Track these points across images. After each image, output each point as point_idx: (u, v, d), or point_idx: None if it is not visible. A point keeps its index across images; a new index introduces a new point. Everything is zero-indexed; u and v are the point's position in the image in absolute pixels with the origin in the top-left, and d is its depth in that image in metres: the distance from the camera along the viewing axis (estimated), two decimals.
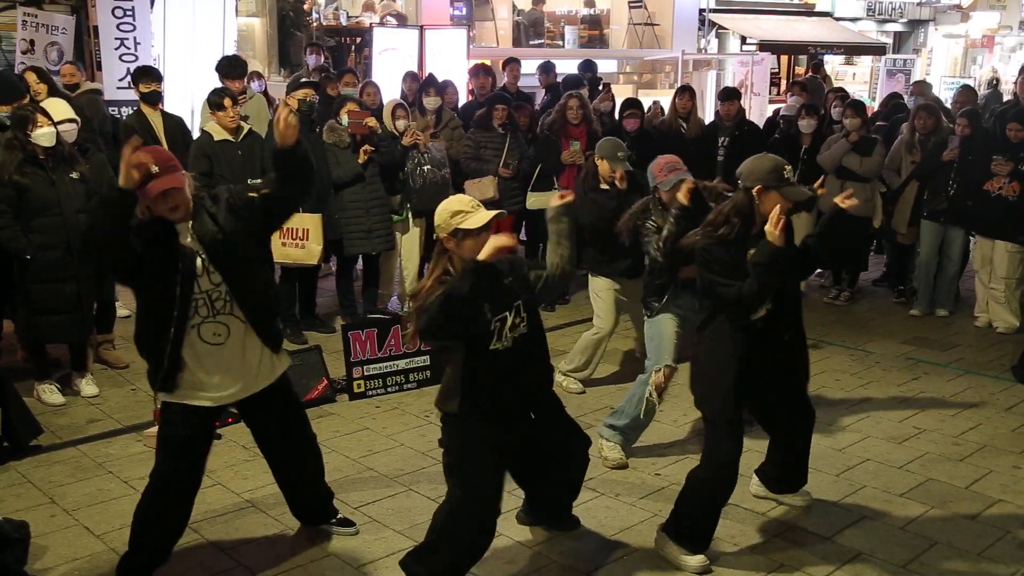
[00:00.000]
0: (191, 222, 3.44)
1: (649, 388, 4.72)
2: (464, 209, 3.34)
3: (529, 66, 10.08)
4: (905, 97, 10.17)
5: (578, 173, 7.39)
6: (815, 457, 4.83)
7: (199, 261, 3.43)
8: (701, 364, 3.92)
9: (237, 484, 4.53)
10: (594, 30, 16.90)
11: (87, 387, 5.70)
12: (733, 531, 4.12)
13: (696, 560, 3.83)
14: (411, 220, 7.14)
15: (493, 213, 3.36)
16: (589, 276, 5.80)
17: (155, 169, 3.29)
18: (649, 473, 4.70)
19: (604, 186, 5.53)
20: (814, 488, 4.49)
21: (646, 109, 9.02)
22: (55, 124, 5.29)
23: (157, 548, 3.62)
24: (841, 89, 9.75)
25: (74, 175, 5.38)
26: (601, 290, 5.69)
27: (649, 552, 3.96)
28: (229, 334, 3.51)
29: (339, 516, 4.11)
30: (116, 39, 9.18)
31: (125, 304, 7.17)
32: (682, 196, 4.38)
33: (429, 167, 7.04)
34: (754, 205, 3.67)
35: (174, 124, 7.07)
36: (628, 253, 5.38)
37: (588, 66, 10.00)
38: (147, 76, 6.98)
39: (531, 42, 15.87)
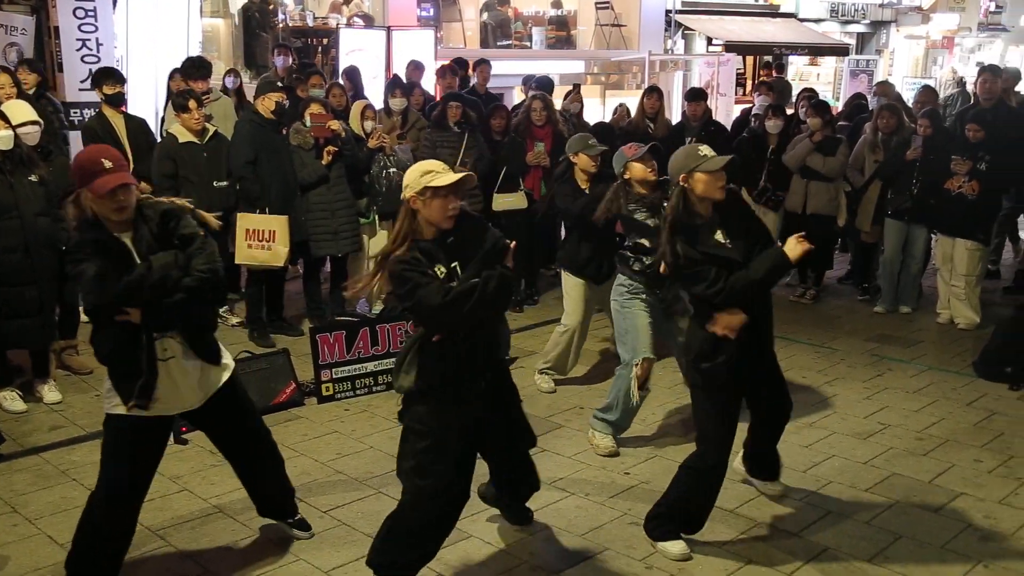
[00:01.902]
0: (131, 232, 3.36)
1: (632, 383, 4.79)
2: (435, 169, 3.38)
3: (495, 67, 10.07)
4: (868, 97, 10.29)
5: (544, 175, 7.44)
6: (782, 454, 4.88)
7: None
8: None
9: (204, 490, 4.48)
10: (561, 31, 16.93)
11: (50, 393, 5.62)
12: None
13: (677, 547, 3.91)
14: (377, 222, 7.11)
15: (463, 174, 3.39)
16: (562, 273, 5.83)
17: (107, 164, 3.25)
18: (618, 472, 4.72)
19: (583, 185, 5.54)
20: (781, 484, 4.54)
21: (616, 110, 9.07)
22: (13, 127, 5.22)
23: (103, 565, 3.58)
24: (810, 89, 9.83)
25: (33, 178, 5.29)
26: (571, 287, 5.73)
27: (619, 551, 3.97)
28: (171, 354, 3.46)
29: (297, 517, 4.08)
30: (78, 40, 9.05)
31: None
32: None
33: (395, 170, 7.02)
34: (688, 195, 3.77)
35: (136, 126, 6.98)
36: (596, 254, 5.43)
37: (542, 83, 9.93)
38: (109, 78, 6.89)
39: (499, 43, 15.87)
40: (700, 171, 3.72)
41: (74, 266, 3.29)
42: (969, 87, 11.83)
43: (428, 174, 3.36)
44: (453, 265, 3.39)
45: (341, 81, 8.89)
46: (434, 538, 3.56)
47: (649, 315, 4.85)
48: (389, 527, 3.53)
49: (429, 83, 10.23)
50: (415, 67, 9.71)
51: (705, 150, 3.78)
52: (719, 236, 3.76)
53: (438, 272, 3.34)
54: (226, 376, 3.68)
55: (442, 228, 3.39)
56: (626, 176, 4.84)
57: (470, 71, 9.55)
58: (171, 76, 8.44)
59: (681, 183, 3.76)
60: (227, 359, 3.72)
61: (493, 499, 4.16)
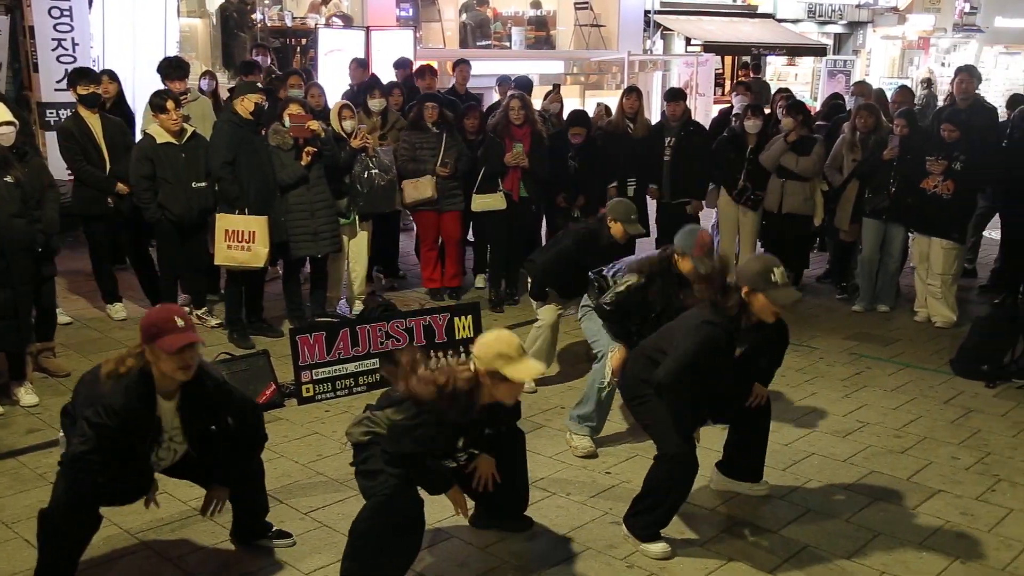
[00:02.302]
0: (177, 398, 3.44)
1: (607, 369, 4.82)
2: (510, 354, 3.34)
3: (475, 67, 10.06)
4: (846, 97, 10.36)
5: (522, 175, 7.44)
6: None
7: (169, 434, 3.47)
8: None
9: (183, 492, 4.44)
10: (541, 31, 16.94)
11: (26, 396, 5.56)
12: (682, 526, 4.17)
13: (658, 547, 3.93)
14: (358, 223, 7.09)
15: (539, 370, 3.44)
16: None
17: (180, 323, 3.28)
18: (599, 472, 4.73)
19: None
20: (762, 482, 4.56)
21: (593, 110, 9.08)
22: None
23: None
24: (786, 90, 9.89)
25: (8, 179, 5.24)
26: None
27: (600, 551, 3.98)
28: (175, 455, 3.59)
29: (274, 529, 4.05)
30: (53, 40, 8.97)
31: (66, 311, 7.03)
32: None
33: (377, 171, 7.01)
34: (745, 306, 3.78)
35: (114, 127, 6.93)
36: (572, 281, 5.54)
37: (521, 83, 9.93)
38: (85, 78, 6.83)
39: (478, 43, 15.87)
40: (764, 295, 3.72)
41: (90, 427, 3.28)
42: (942, 87, 11.97)
43: (502, 359, 3.32)
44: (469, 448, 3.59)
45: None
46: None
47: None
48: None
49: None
50: (399, 65, 9.67)
51: (779, 275, 3.73)
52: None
53: (459, 443, 3.50)
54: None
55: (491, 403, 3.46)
56: (676, 259, 4.67)
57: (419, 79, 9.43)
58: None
59: (743, 293, 3.77)
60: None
61: (486, 523, 4.14)
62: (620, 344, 4.80)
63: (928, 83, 15.57)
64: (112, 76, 7.91)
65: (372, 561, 3.46)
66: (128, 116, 7.99)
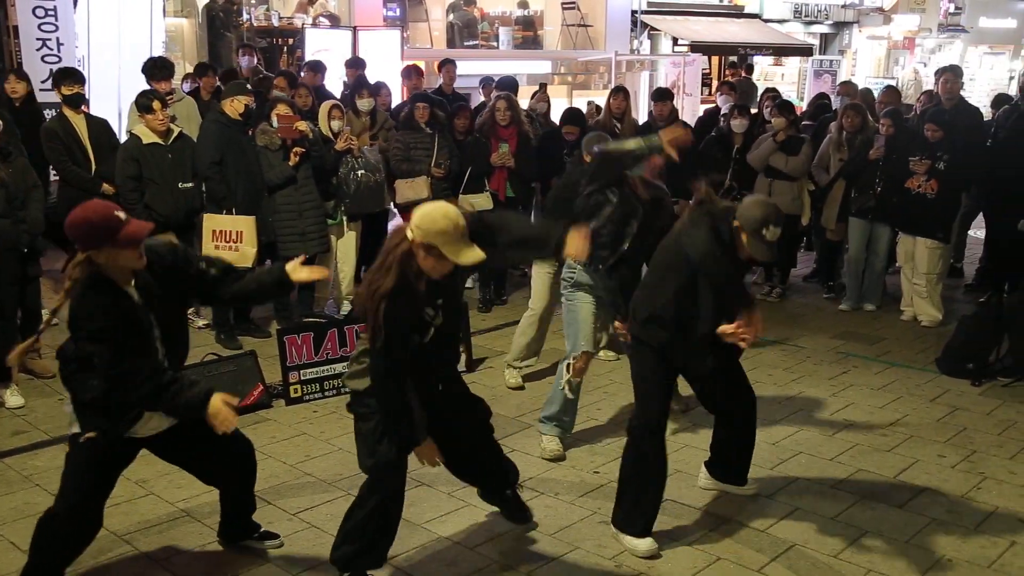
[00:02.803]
0: (132, 279, 3.32)
1: (566, 377, 4.83)
2: (454, 236, 3.26)
3: (462, 67, 10.07)
4: (832, 97, 10.40)
5: (508, 176, 7.45)
6: None
7: (145, 314, 3.35)
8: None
9: (171, 494, 4.44)
10: (528, 31, 16.94)
11: (12, 398, 5.53)
12: (670, 525, 4.18)
13: (645, 544, 3.94)
14: (345, 224, 7.08)
15: (478, 257, 3.31)
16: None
17: (121, 215, 3.20)
18: (588, 471, 4.74)
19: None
20: (749, 482, 4.57)
21: (585, 108, 9.09)
22: None
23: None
24: (773, 89, 9.92)
25: None
26: (539, 272, 5.81)
27: (589, 550, 3.99)
28: None
29: (262, 530, 4.03)
30: (38, 39, 8.92)
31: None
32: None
33: (363, 171, 7.00)
34: (735, 239, 3.82)
35: (98, 127, 6.89)
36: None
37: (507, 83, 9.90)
38: (69, 78, 6.79)
39: (465, 43, 15.85)
40: (751, 241, 3.78)
41: (94, 344, 3.20)
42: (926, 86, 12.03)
43: (442, 236, 3.25)
44: (439, 302, 3.45)
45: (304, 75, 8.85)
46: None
47: (593, 305, 4.90)
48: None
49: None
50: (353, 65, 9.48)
51: (771, 233, 3.76)
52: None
53: (427, 314, 3.41)
54: None
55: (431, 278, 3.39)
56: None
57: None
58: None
59: (736, 228, 3.82)
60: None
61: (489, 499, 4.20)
62: (585, 349, 4.84)
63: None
64: (20, 75, 7.75)
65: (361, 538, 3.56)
66: (38, 116, 7.73)
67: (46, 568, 3.52)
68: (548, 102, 8.83)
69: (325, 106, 7.15)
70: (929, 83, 15.67)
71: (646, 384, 4.03)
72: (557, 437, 4.92)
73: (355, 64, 9.48)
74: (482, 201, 7.42)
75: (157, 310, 3.35)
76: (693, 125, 9.54)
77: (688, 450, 4.96)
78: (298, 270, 3.54)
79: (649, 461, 3.97)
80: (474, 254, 3.30)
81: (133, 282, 3.31)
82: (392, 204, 7.62)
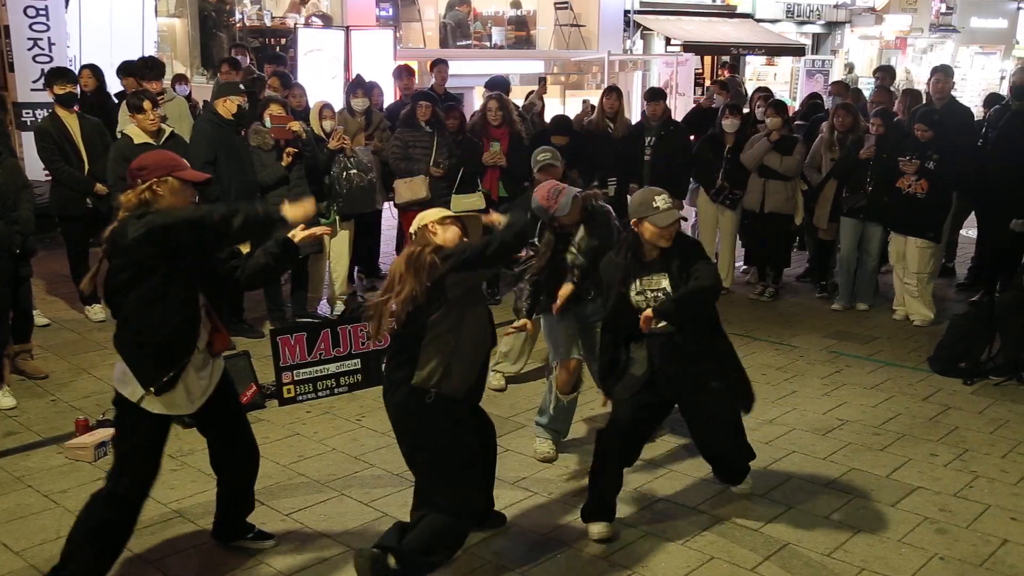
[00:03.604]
0: None
1: (555, 388, 4.82)
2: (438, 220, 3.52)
3: (455, 67, 10.07)
4: (824, 96, 10.42)
5: (501, 175, 7.44)
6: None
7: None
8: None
9: (164, 494, 4.42)
10: (521, 31, 16.96)
11: (4, 399, 5.50)
12: (663, 525, 4.18)
13: (597, 528, 4.03)
14: (338, 223, 7.07)
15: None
16: None
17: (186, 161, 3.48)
18: (581, 471, 4.74)
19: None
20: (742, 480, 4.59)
21: (581, 106, 9.09)
22: None
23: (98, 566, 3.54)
24: (765, 88, 9.94)
25: None
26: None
27: (581, 550, 3.99)
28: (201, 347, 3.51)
29: (256, 530, 4.03)
30: (29, 39, 8.90)
31: (43, 313, 6.97)
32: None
33: (355, 171, 6.99)
34: (638, 237, 3.94)
35: (91, 127, 6.87)
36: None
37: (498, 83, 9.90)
38: (62, 78, 6.78)
39: (458, 43, 15.86)
40: (648, 220, 3.87)
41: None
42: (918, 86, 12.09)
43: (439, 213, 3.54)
44: None
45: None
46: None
47: (562, 318, 4.77)
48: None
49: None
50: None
51: (660, 201, 3.85)
52: (663, 281, 3.92)
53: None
54: (221, 370, 3.69)
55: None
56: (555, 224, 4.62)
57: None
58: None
59: (632, 225, 3.94)
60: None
61: None
62: (573, 356, 4.81)
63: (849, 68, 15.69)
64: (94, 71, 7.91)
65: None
66: (109, 111, 7.93)
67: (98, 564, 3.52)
68: (543, 102, 8.84)
69: (316, 105, 7.14)
70: (921, 83, 15.74)
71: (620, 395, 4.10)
72: (550, 440, 4.92)
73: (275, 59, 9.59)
74: (475, 200, 7.42)
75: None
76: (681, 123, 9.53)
77: (680, 450, 4.97)
78: (299, 234, 3.55)
79: (601, 454, 4.09)
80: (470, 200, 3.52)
81: None
82: (392, 204, 7.62)
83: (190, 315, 3.42)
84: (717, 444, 4.36)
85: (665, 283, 3.92)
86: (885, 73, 9.66)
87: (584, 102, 9.47)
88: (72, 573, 3.46)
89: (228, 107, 6.45)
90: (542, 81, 9.42)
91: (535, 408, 5.50)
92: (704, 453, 4.45)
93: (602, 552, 3.97)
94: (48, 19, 8.95)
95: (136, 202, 3.37)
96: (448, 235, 3.52)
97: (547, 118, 9.01)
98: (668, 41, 18.28)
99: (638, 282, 3.95)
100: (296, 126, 6.60)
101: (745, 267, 8.75)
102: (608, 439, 4.08)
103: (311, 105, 7.56)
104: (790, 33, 21.49)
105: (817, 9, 22.25)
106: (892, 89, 9.61)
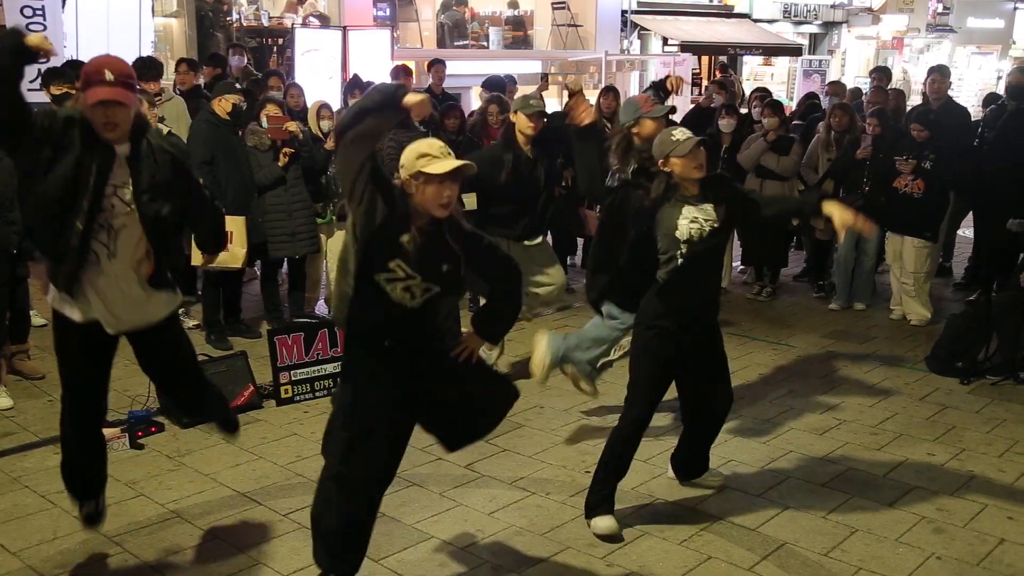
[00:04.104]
0: (128, 146, 3.36)
1: (616, 348, 4.99)
2: (431, 153, 3.15)
3: (452, 67, 10.07)
4: (821, 96, 10.44)
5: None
6: (740, 450, 4.96)
7: (116, 183, 3.34)
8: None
9: (160, 495, 4.42)
10: (518, 31, 16.96)
11: (1, 399, 5.50)
12: (661, 524, 4.19)
13: (604, 523, 4.02)
14: (335, 223, 7.07)
15: (460, 163, 3.18)
16: None
17: (109, 76, 3.22)
18: (579, 471, 4.74)
19: (525, 147, 5.66)
20: (739, 481, 4.60)
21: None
22: None
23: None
24: (763, 89, 9.94)
25: None
26: None
27: (580, 550, 3.99)
28: (115, 256, 3.41)
29: (232, 417, 4.15)
30: None
31: (40, 313, 6.96)
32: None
33: None
34: (670, 176, 3.97)
35: None
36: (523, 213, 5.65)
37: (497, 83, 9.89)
38: (58, 78, 6.75)
39: (455, 43, 15.85)
40: (675, 156, 3.87)
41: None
42: (915, 86, 12.09)
43: (423, 158, 3.14)
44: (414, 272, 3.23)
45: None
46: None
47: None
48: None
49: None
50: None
51: (678, 133, 3.91)
52: (709, 209, 3.94)
53: (396, 269, 3.19)
54: (165, 312, 3.63)
55: (435, 216, 3.22)
56: (634, 131, 4.76)
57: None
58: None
59: (662, 168, 3.95)
60: (174, 297, 3.67)
61: None
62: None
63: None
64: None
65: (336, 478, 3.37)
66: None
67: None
68: (543, 100, 8.82)
69: (314, 105, 7.14)
70: (918, 83, 15.74)
71: (635, 379, 4.10)
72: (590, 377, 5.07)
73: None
74: (471, 201, 7.41)
75: (139, 184, 3.38)
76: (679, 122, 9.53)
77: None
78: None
79: (617, 451, 4.09)
80: (453, 162, 3.14)
81: (127, 147, 3.37)
82: None
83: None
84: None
85: (713, 213, 3.94)
86: (881, 74, 9.68)
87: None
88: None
89: (223, 106, 6.45)
90: (544, 78, 9.38)
91: (533, 408, 5.52)
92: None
93: (599, 552, 3.97)
94: (45, 19, 8.92)
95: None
96: (429, 197, 3.18)
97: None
98: (665, 41, 18.29)
99: (688, 209, 3.93)
100: (293, 126, 6.60)
101: (742, 267, 8.76)
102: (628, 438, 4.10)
103: (308, 105, 7.55)
104: (787, 33, 21.50)
105: (814, 9, 22.27)
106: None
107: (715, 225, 3.94)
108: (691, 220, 3.92)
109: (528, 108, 5.62)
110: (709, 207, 3.95)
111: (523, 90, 10.17)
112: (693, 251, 3.91)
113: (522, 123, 5.61)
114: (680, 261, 3.93)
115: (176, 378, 3.87)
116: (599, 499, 4.10)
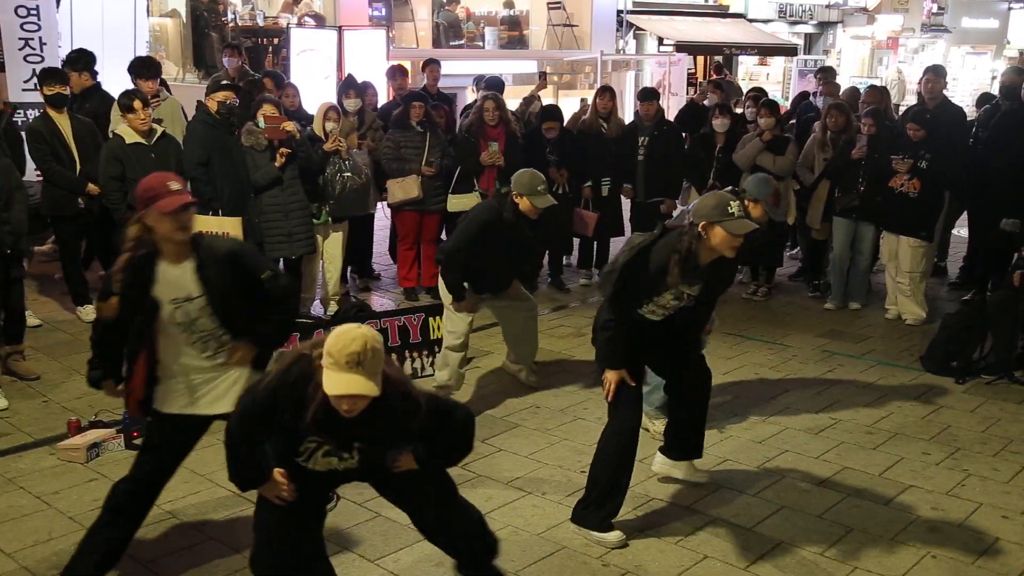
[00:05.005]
0: (193, 260, 3.45)
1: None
2: (336, 360, 2.72)
3: (448, 67, 10.07)
4: (814, 96, 10.43)
5: (498, 175, 7.44)
6: (735, 450, 4.96)
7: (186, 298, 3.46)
8: None
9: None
10: (514, 31, 16.96)
11: None
12: (657, 524, 4.19)
13: (613, 535, 4.00)
14: (330, 223, 7.06)
15: (361, 391, 2.74)
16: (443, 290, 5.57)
17: (174, 186, 3.39)
18: (575, 471, 4.74)
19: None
20: (735, 480, 4.60)
21: (579, 104, 9.09)
22: None
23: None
24: (758, 88, 9.95)
25: None
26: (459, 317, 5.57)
27: (576, 549, 3.99)
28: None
29: None
30: (20, 39, 8.85)
31: (35, 314, 6.95)
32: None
33: (349, 174, 6.98)
34: (700, 240, 3.78)
35: (83, 127, 6.85)
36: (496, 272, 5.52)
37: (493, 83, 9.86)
38: (52, 78, 6.75)
39: (451, 43, 15.85)
40: (720, 226, 3.72)
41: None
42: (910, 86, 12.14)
43: (329, 358, 2.75)
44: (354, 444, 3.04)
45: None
46: None
47: None
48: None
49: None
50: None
51: (735, 207, 3.72)
52: (696, 288, 3.89)
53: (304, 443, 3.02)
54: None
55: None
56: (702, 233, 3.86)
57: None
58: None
59: (700, 228, 3.77)
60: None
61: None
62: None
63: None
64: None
65: None
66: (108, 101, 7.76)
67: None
68: (540, 100, 8.86)
69: (323, 107, 7.13)
70: (913, 83, 15.78)
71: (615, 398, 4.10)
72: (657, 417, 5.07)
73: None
74: (471, 200, 7.42)
75: (212, 288, 3.48)
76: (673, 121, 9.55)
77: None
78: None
79: (615, 462, 4.05)
80: (349, 384, 2.71)
81: (191, 262, 3.46)
82: (385, 204, 7.62)
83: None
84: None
85: (697, 290, 3.90)
86: (826, 74, 9.94)
87: (582, 101, 9.47)
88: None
89: (211, 104, 6.46)
90: (543, 76, 9.37)
91: (530, 408, 5.53)
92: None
93: (596, 552, 3.97)
94: (39, 19, 8.90)
95: (137, 236, 3.42)
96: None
97: None
98: (661, 41, 18.33)
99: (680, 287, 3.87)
100: (290, 126, 6.59)
101: (738, 266, 8.76)
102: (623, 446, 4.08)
103: (304, 105, 7.56)
104: (782, 33, 21.55)
105: (809, 9, 22.33)
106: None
107: (694, 297, 3.94)
108: (674, 297, 3.93)
109: (538, 199, 5.19)
110: (698, 284, 3.90)
111: (520, 90, 10.21)
112: (668, 317, 4.01)
113: (526, 206, 5.20)
114: (655, 319, 4.03)
115: None
116: (606, 513, 4.06)
